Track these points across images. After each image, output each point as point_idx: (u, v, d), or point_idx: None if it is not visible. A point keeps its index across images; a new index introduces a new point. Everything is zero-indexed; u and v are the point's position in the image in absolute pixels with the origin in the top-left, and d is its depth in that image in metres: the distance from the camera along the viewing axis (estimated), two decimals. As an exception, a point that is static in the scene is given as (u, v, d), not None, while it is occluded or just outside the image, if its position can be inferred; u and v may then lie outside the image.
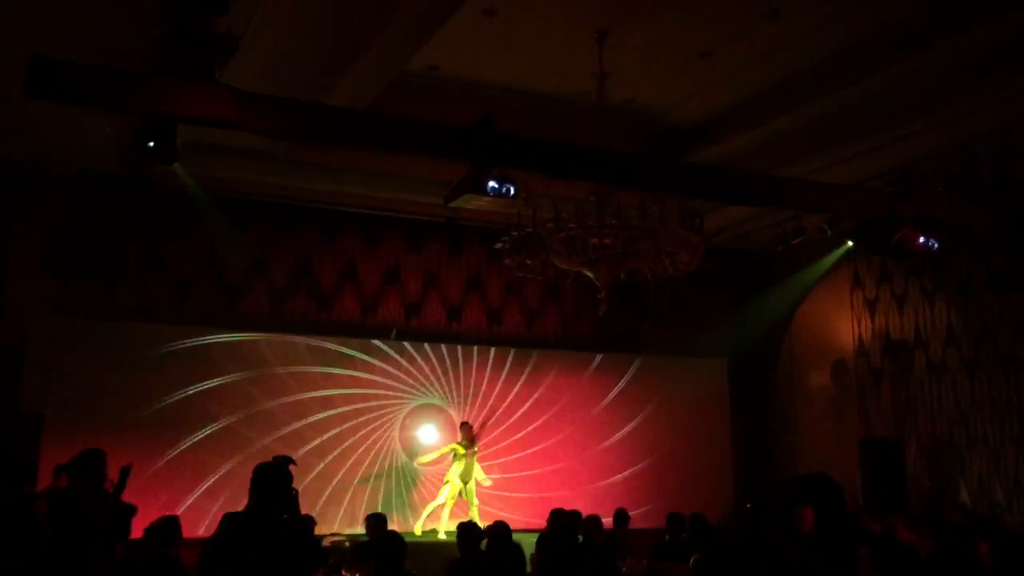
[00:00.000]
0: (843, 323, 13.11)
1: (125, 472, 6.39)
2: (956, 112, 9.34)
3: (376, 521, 7.73)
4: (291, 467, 4.82)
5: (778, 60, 9.65)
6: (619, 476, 13.24)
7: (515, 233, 8.93)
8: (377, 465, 12.16)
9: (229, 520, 4.63)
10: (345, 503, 11.79)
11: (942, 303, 11.64)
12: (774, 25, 8.99)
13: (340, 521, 11.53)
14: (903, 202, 6.98)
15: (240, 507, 4.70)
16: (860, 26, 8.88)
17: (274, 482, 4.66)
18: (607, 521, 8.76)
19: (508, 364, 13.11)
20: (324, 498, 11.57)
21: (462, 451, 11.52)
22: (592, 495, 12.15)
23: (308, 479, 11.31)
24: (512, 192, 5.85)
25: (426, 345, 12.80)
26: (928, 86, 9.12)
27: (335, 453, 11.87)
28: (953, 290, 11.48)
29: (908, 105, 9.45)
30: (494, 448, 12.72)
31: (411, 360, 12.62)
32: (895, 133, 9.87)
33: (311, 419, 11.85)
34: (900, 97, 9.38)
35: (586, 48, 9.18)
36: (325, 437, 11.84)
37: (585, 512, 8.76)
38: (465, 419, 12.36)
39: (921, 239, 6.97)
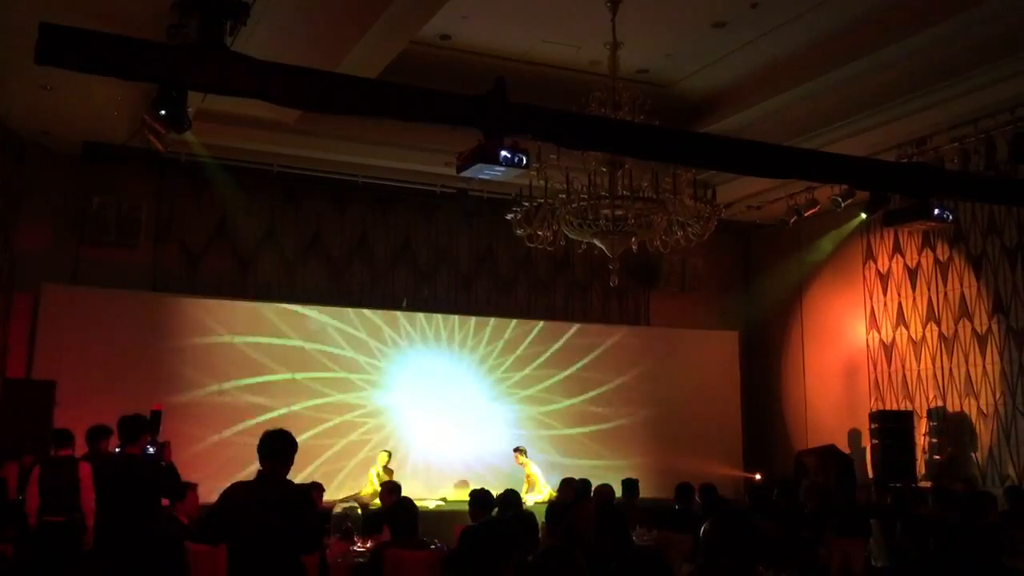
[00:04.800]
0: (855, 296, 13.07)
1: (157, 416, 6.46)
2: (972, 84, 9.23)
3: (391, 488, 7.79)
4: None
5: (792, 30, 9.55)
6: (628, 447, 13.27)
7: (526, 204, 8.90)
8: (386, 434, 12.22)
9: (235, 487, 4.67)
10: (351, 472, 11.89)
11: (955, 276, 11.59)
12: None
13: (351, 489, 11.60)
14: (918, 174, 6.92)
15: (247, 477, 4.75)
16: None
17: (280, 450, 4.68)
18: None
19: (518, 334, 13.13)
20: (328, 465, 11.66)
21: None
22: (602, 465, 12.18)
23: (317, 449, 11.42)
24: (524, 162, 5.80)
25: (437, 316, 12.84)
26: (943, 58, 9.01)
27: (338, 422, 11.95)
28: (966, 262, 11.43)
29: (923, 77, 9.34)
30: (507, 418, 12.80)
31: (422, 330, 12.65)
32: (910, 105, 9.76)
33: (321, 386, 11.93)
34: (915, 69, 9.27)
35: (599, 17, 9.09)
36: (326, 399, 11.91)
37: (595, 482, 8.80)
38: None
39: (936, 211, 6.90)
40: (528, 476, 11.74)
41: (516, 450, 12.01)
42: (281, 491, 4.67)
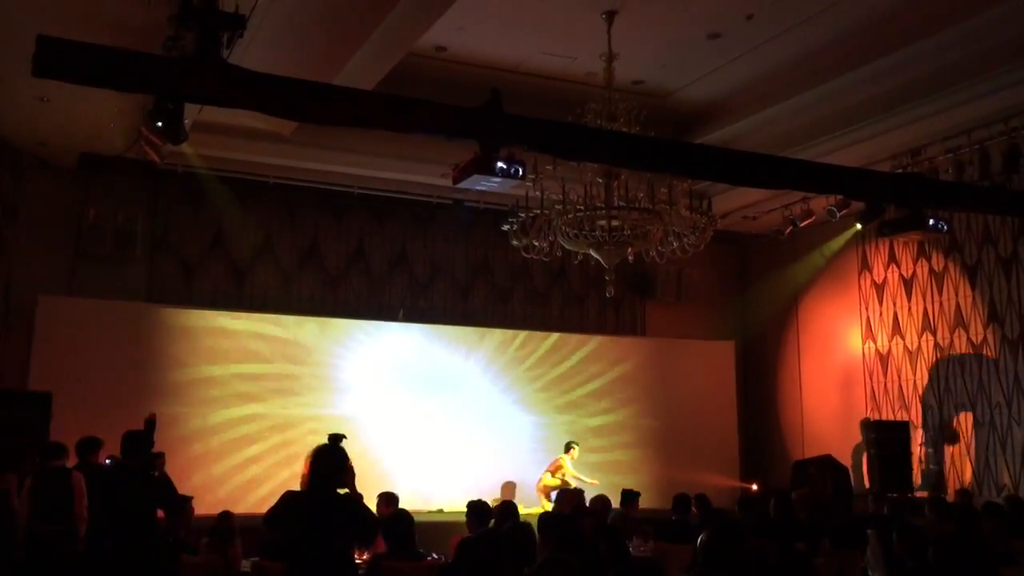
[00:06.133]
0: (850, 306, 13.09)
1: (150, 424, 6.46)
2: (966, 95, 9.28)
3: (389, 499, 7.78)
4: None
5: (787, 42, 9.58)
6: (625, 458, 13.25)
7: (522, 215, 8.92)
8: (381, 443, 12.19)
9: (289, 496, 4.77)
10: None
11: (950, 286, 11.61)
12: (783, 6, 8.92)
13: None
14: (912, 184, 6.94)
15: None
16: (870, 7, 8.81)
17: (331, 460, 4.82)
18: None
19: (515, 345, 13.12)
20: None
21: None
22: (598, 476, 12.15)
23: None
24: (520, 173, 5.82)
25: (433, 326, 12.83)
26: (938, 68, 9.05)
27: (332, 431, 11.88)
28: (962, 273, 11.45)
29: (918, 87, 9.39)
30: (503, 429, 12.78)
31: (418, 341, 12.64)
32: (905, 115, 9.80)
33: (316, 395, 11.91)
34: (910, 79, 9.31)
35: (594, 29, 9.13)
36: (321, 408, 11.88)
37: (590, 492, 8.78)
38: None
39: (931, 222, 6.93)
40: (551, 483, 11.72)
41: (569, 445, 11.99)
42: (328, 500, 4.79)
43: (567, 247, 9.03)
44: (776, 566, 5.83)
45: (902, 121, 9.90)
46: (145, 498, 5.96)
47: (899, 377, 12.25)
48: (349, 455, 4.98)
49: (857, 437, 12.12)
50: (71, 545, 7.11)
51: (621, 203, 8.57)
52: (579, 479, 11.63)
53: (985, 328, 11.12)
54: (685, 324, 14.33)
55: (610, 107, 8.66)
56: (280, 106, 5.20)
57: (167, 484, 6.95)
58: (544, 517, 7.13)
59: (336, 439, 5.06)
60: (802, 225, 11.90)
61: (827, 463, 11.85)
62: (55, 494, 7.30)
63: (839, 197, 10.39)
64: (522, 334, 13.25)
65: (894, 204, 7.19)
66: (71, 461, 7.69)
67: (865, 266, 12.89)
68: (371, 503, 8.24)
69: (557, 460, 11.98)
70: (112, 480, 6.19)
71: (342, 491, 4.85)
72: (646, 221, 8.73)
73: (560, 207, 8.66)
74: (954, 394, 11.43)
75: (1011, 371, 10.74)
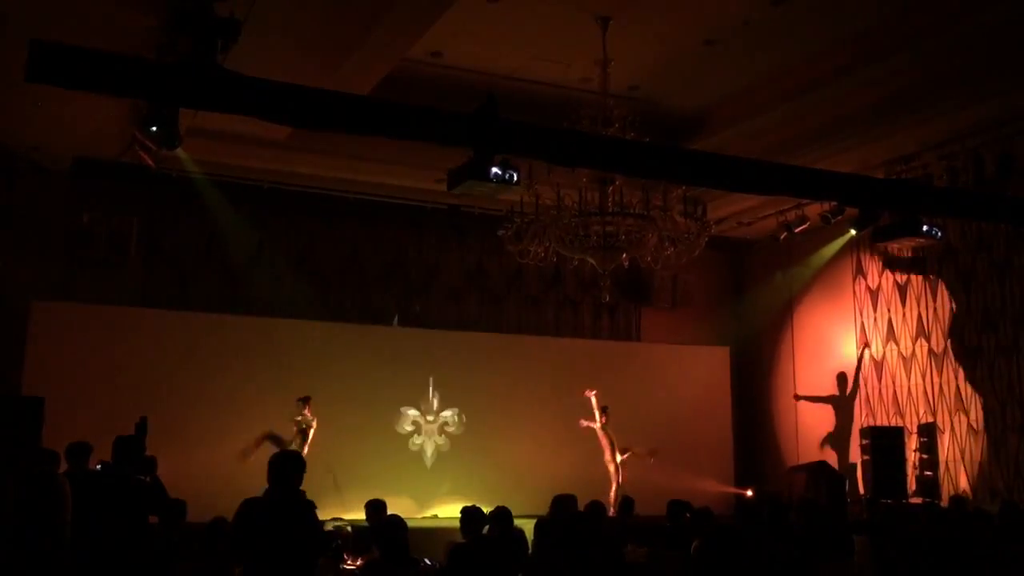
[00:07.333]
0: (844, 312, 13.10)
1: (141, 427, 6.44)
2: (960, 101, 9.32)
3: (376, 507, 7.74)
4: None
5: (782, 48, 9.60)
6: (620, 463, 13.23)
7: (517, 220, 8.92)
8: (375, 450, 12.17)
9: (248, 505, 4.77)
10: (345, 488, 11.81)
11: (944, 292, 11.62)
12: (779, 12, 8.93)
13: (340, 507, 11.54)
14: (907, 191, 6.96)
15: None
16: (865, 14, 8.84)
17: (287, 472, 4.83)
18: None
19: (509, 350, 13.11)
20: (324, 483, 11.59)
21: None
22: (593, 482, 12.12)
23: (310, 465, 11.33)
24: (515, 179, 5.82)
25: (427, 332, 12.81)
26: (932, 75, 9.08)
27: (324, 437, 11.89)
28: (956, 279, 11.47)
29: (912, 94, 9.42)
30: (497, 435, 12.77)
31: (412, 345, 12.62)
32: (900, 122, 9.84)
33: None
34: (904, 86, 9.34)
35: (589, 34, 9.15)
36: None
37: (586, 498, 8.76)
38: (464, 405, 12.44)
39: (924, 228, 6.94)
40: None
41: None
42: (289, 504, 4.81)
43: (562, 252, 9.04)
44: (772, 572, 5.83)
45: (896, 128, 9.93)
46: (133, 504, 5.91)
47: (894, 383, 12.26)
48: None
49: (853, 443, 12.15)
50: (54, 553, 7.05)
51: (616, 209, 8.59)
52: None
53: (979, 334, 11.13)
54: (680, 330, 14.34)
55: (605, 113, 8.68)
56: (274, 111, 5.19)
57: (159, 489, 6.89)
58: (540, 523, 7.12)
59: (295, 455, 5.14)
60: (797, 231, 11.92)
61: (821, 470, 11.85)
62: (37, 500, 7.24)
63: (833, 203, 10.41)
64: (515, 338, 13.24)
65: (887, 210, 7.21)
66: (62, 467, 7.65)
67: (860, 272, 12.91)
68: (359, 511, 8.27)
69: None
70: (99, 486, 6.15)
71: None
72: (641, 227, 8.75)
73: (555, 212, 8.66)
74: (948, 400, 11.44)
75: (1005, 377, 10.76)
